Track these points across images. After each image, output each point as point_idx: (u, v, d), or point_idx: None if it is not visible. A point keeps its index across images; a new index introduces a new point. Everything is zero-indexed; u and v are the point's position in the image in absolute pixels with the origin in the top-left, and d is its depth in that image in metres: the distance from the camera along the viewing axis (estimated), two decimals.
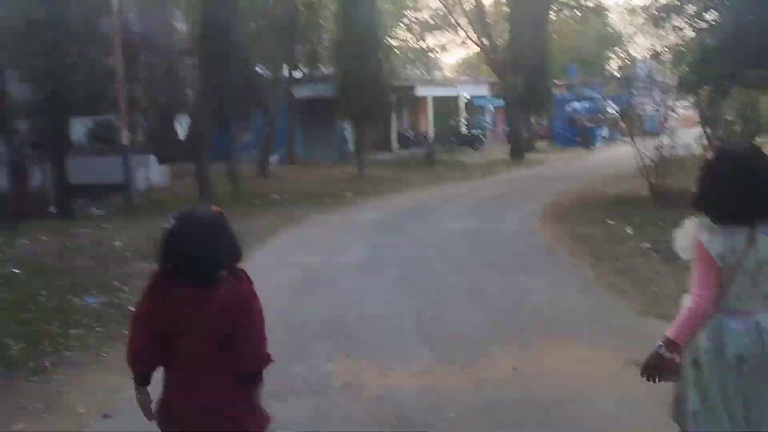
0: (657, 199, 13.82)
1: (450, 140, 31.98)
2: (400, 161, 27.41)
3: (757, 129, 26.31)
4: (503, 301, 7.31)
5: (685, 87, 17.02)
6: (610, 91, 36.30)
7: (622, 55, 54.36)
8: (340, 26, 21.37)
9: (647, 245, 9.88)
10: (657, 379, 2.86)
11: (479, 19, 27.19)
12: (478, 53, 46.67)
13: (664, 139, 15.32)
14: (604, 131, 32.61)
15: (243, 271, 2.73)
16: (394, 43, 38.74)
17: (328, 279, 8.68)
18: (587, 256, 9.43)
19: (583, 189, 17.08)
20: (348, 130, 27.21)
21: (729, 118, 26.46)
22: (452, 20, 41.17)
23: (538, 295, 7.43)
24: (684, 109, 42.13)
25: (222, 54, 15.88)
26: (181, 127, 23.49)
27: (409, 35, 42.12)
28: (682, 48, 18.17)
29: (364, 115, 21.03)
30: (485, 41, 27.19)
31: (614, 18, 51.21)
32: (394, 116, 30.92)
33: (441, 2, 35.69)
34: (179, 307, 2.63)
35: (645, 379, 2.87)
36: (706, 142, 19.12)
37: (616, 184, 17.44)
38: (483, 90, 36.78)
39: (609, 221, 11.89)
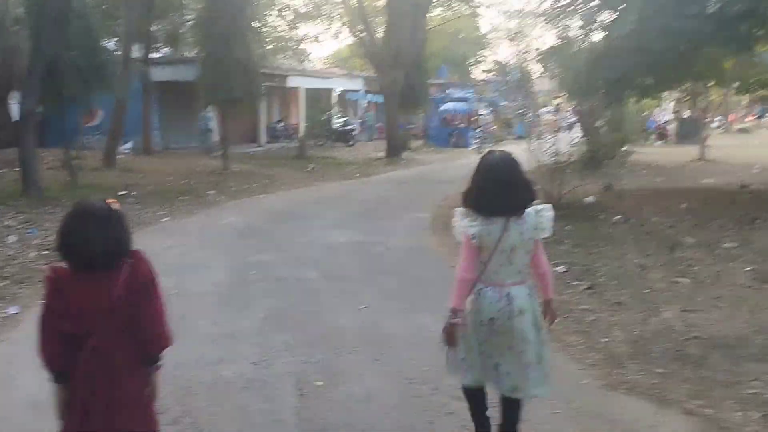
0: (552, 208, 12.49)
1: (322, 135, 29.91)
2: (270, 155, 25.05)
3: (624, 137, 26.30)
4: (417, 358, 5.37)
5: (576, 93, 15.92)
6: (482, 92, 35.77)
7: (493, 58, 54.77)
8: (205, 2, 18.67)
9: (563, 269, 8.34)
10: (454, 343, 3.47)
11: (358, 10, 25.20)
12: (350, 46, 44.93)
13: (546, 144, 14.01)
14: (478, 133, 31.74)
15: (141, 253, 2.75)
16: (264, 29, 36.37)
17: (175, 318, 6.35)
18: None
19: None
20: (213, 120, 24.47)
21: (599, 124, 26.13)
22: (327, 10, 39.30)
23: None
24: (549, 113, 42.62)
25: (57, 21, 12.89)
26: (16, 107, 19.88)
27: (280, 22, 39.61)
28: (570, 50, 17.13)
29: (229, 102, 18.49)
30: (363, 33, 25.25)
31: (487, 20, 51.33)
32: (263, 106, 28.46)
33: None
34: (87, 299, 2.62)
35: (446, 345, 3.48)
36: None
37: None
38: (357, 84, 34.96)
39: None
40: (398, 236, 10.54)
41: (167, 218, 11.80)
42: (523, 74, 26.10)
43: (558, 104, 55.81)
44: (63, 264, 2.68)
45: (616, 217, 11.73)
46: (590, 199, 13.11)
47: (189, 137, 24.95)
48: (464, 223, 3.46)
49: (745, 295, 7.12)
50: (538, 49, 20.20)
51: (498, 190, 3.41)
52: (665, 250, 9.37)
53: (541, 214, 3.48)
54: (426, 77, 27.61)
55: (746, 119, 42.24)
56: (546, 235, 3.52)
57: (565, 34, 16.80)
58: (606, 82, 13.73)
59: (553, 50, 17.18)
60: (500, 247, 3.37)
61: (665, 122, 33.73)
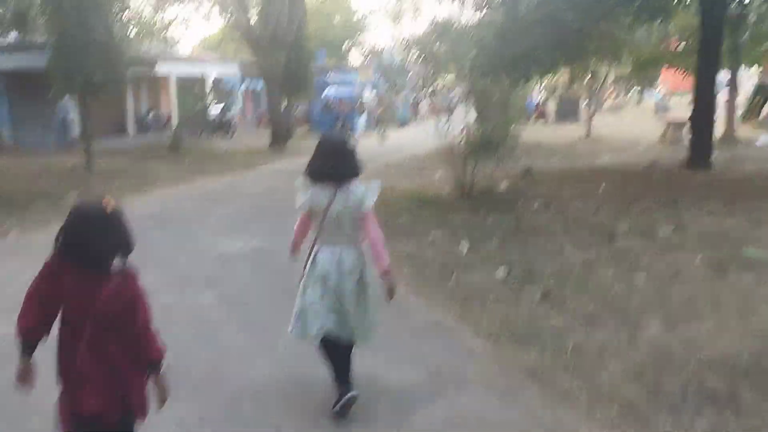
0: (466, 197, 11.27)
1: (198, 125, 27.44)
2: (141, 148, 22.41)
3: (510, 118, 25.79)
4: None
5: (480, 71, 14.71)
6: (364, 77, 34.33)
7: (370, 42, 53.50)
8: None
9: (503, 272, 7.07)
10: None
11: None
12: (222, 30, 42.14)
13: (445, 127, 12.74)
14: (363, 118, 30.34)
15: (132, 270, 2.76)
16: (127, 10, 33.08)
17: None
18: (443, 300, 6.30)
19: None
20: (72, 111, 21.55)
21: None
22: None
23: (428, 402, 4.10)
24: (431, 98, 41.88)
25: None
26: None
27: (145, 4, 36.29)
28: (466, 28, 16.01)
29: (89, 89, 15.94)
30: (240, 14, 23.00)
31: (363, 2, 49.95)
32: (130, 95, 25.65)
33: None
34: (78, 292, 2.68)
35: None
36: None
37: (407, 178, 14.76)
38: (233, 70, 32.49)
39: (433, 232, 8.97)
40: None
41: (14, 231, 9.49)
42: (402, 58, 24.90)
43: (438, 87, 55.71)
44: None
45: (536, 204, 10.68)
46: (503, 185, 12.01)
47: (46, 132, 21.87)
48: (301, 192, 4.00)
49: (717, 292, 6.12)
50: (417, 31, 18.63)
51: (325, 161, 3.93)
52: (602, 240, 8.34)
53: (368, 188, 3.93)
54: (309, 59, 25.74)
55: (615, 98, 43.39)
56: (369, 206, 3.89)
57: (459, 11, 15.67)
58: (512, 59, 12.66)
59: (445, 29, 15.95)
60: (329, 213, 3.87)
61: (543, 102, 33.79)
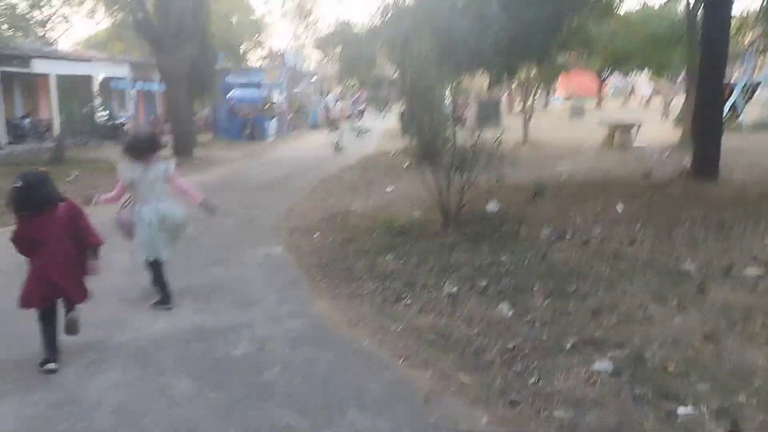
0: (453, 223, 8.55)
1: (85, 132, 23.28)
2: (14, 160, 18.23)
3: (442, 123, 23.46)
4: None
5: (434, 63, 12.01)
6: (271, 78, 30.95)
7: (271, 44, 49.90)
8: None
9: (606, 366, 4.41)
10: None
11: None
12: (109, 30, 37.34)
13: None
14: (273, 123, 27.04)
15: (69, 200, 4.75)
16: None
17: None
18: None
19: (315, 205, 11.14)
20: None
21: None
22: None
23: None
24: (341, 101, 38.97)
25: None
26: None
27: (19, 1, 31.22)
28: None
29: None
30: (135, 7, 19.16)
31: (258, 2, 46.33)
32: (0, 97, 21.26)
33: None
34: (38, 226, 4.50)
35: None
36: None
37: (358, 196, 11.87)
38: (122, 70, 28.31)
39: (445, 284, 6.19)
40: (263, 306, 5.86)
41: None
42: (305, 60, 21.68)
43: (344, 91, 52.71)
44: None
45: (546, 231, 8.12)
46: (492, 206, 9.37)
47: None
48: (123, 167, 5.86)
49: None
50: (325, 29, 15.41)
51: (137, 149, 5.81)
52: (682, 288, 5.87)
53: (167, 164, 5.85)
54: (214, 59, 22.26)
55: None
56: (171, 174, 5.81)
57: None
58: (460, 59, 9.93)
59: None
60: (143, 181, 5.72)
61: (462, 105, 31.71)
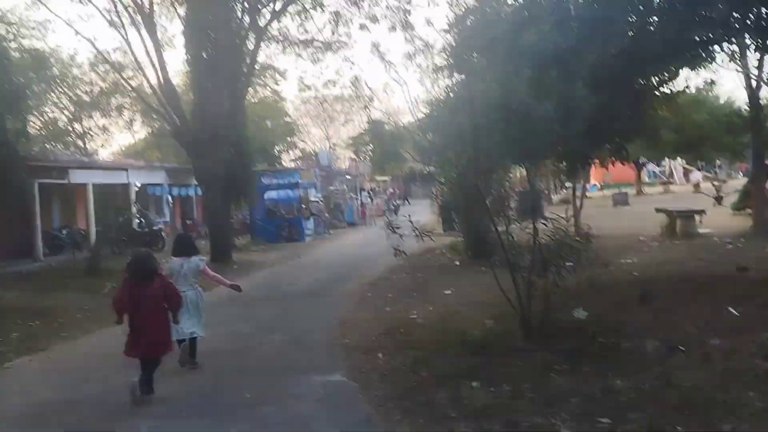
0: (537, 336, 7.25)
1: (120, 240, 22.63)
2: (50, 273, 17.50)
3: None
4: None
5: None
6: (307, 178, 30.51)
7: (303, 145, 50.22)
8: None
9: None
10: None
11: (169, 90, 18.75)
12: (146, 139, 37.71)
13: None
14: (309, 223, 26.26)
15: (162, 275, 6.51)
16: (36, 120, 28.42)
17: None
18: None
19: (370, 315, 9.94)
20: None
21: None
22: (115, 99, 32.16)
23: None
24: (375, 197, 38.35)
25: None
26: None
27: (60, 115, 31.71)
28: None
29: None
30: (170, 115, 18.86)
31: (290, 106, 46.87)
32: (39, 208, 20.83)
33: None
34: (138, 292, 6.12)
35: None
36: None
37: (412, 303, 10.65)
38: (159, 177, 28.11)
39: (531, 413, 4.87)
40: None
41: None
42: (338, 158, 21.13)
43: (375, 187, 52.41)
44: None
45: (654, 344, 6.76)
46: (579, 313, 8.08)
47: None
48: (168, 263, 7.54)
49: None
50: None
51: (177, 248, 7.71)
52: None
53: (198, 260, 7.60)
54: (249, 162, 21.78)
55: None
56: (202, 266, 7.58)
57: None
58: (535, 147, 8.88)
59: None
60: (181, 273, 7.35)
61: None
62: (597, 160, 12.41)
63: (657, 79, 9.50)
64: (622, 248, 15.46)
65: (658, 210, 19.50)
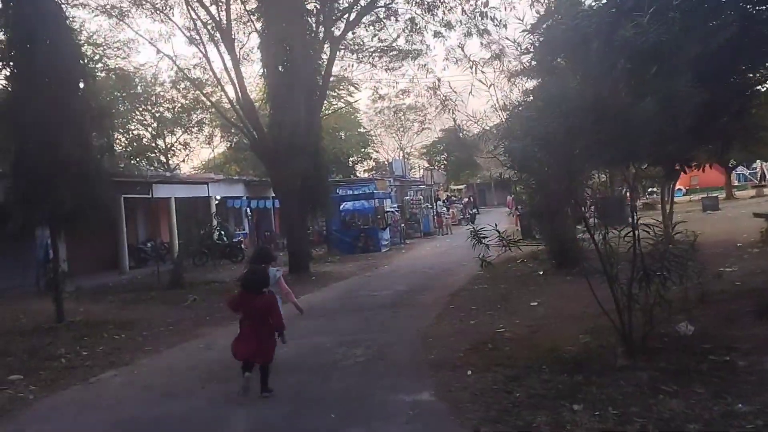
0: (640, 353, 6.67)
1: (202, 252, 23.08)
2: (135, 286, 17.95)
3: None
4: None
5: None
6: (382, 187, 30.38)
7: (376, 155, 50.33)
8: (14, 79, 11.92)
9: None
10: None
11: (246, 104, 19.03)
12: (225, 153, 38.62)
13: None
14: (386, 233, 26.05)
15: (270, 291, 6.94)
16: (121, 137, 29.50)
17: None
18: None
19: (454, 328, 9.50)
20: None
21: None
22: (195, 115, 33.11)
23: None
24: (451, 206, 37.85)
25: None
26: None
27: (144, 132, 32.91)
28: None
29: (63, 220, 11.70)
30: (248, 129, 19.09)
31: (363, 117, 47.02)
32: (125, 223, 21.49)
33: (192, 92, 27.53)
34: (248, 302, 6.68)
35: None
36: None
37: (487, 311, 10.19)
38: (238, 190, 28.62)
39: None
40: None
41: None
42: (412, 168, 20.67)
43: (451, 195, 51.86)
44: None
45: None
46: (685, 328, 7.42)
47: (18, 273, 17.42)
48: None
49: None
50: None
51: (256, 259, 7.70)
52: None
53: (275, 270, 7.68)
54: (326, 173, 21.80)
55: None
56: (279, 276, 7.75)
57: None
58: (633, 148, 8.20)
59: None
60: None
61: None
62: (695, 163, 11.53)
63: (764, 73, 8.71)
64: (720, 256, 14.42)
65: (756, 215, 18.19)
